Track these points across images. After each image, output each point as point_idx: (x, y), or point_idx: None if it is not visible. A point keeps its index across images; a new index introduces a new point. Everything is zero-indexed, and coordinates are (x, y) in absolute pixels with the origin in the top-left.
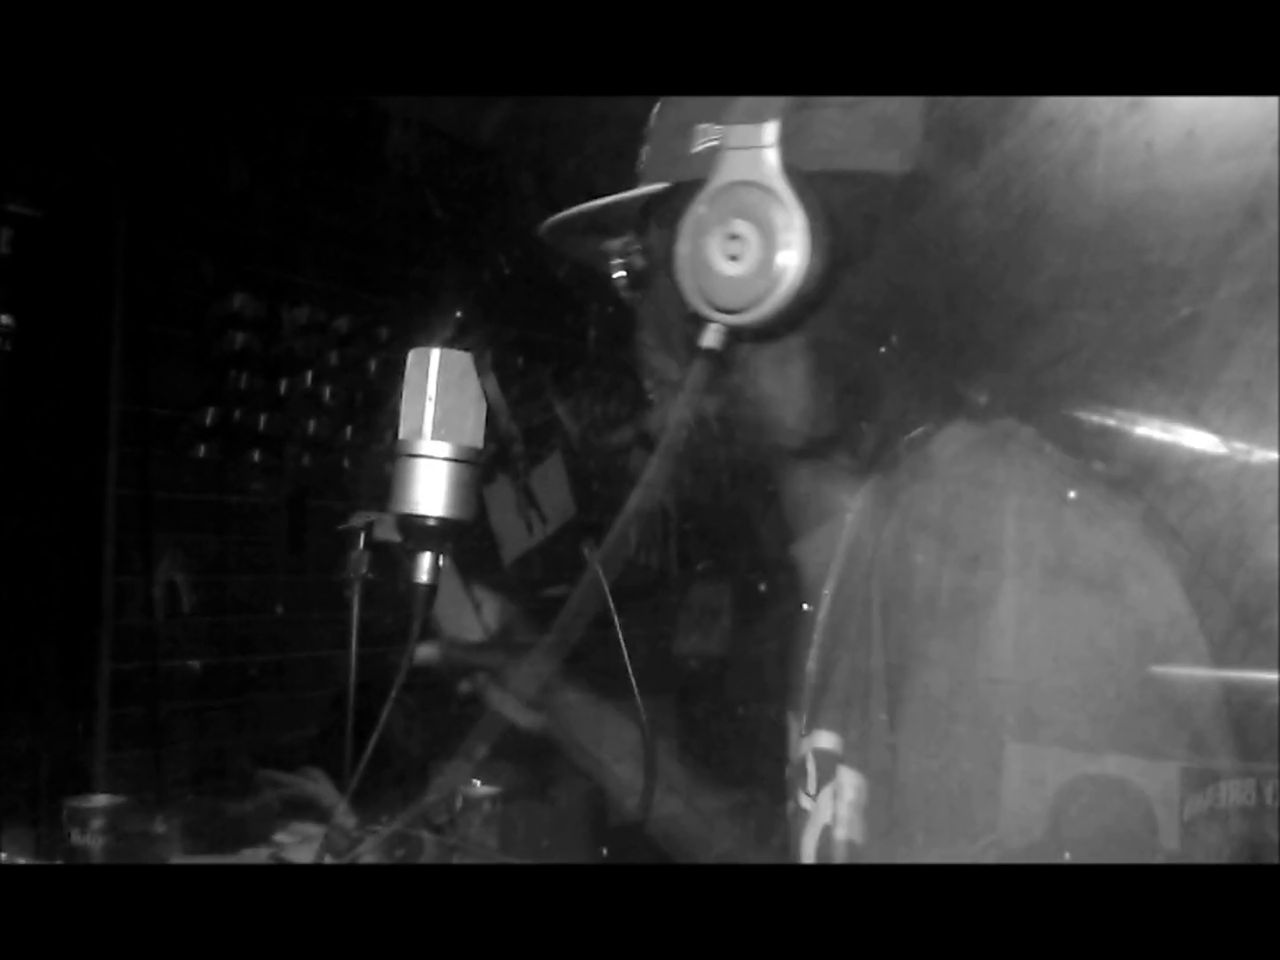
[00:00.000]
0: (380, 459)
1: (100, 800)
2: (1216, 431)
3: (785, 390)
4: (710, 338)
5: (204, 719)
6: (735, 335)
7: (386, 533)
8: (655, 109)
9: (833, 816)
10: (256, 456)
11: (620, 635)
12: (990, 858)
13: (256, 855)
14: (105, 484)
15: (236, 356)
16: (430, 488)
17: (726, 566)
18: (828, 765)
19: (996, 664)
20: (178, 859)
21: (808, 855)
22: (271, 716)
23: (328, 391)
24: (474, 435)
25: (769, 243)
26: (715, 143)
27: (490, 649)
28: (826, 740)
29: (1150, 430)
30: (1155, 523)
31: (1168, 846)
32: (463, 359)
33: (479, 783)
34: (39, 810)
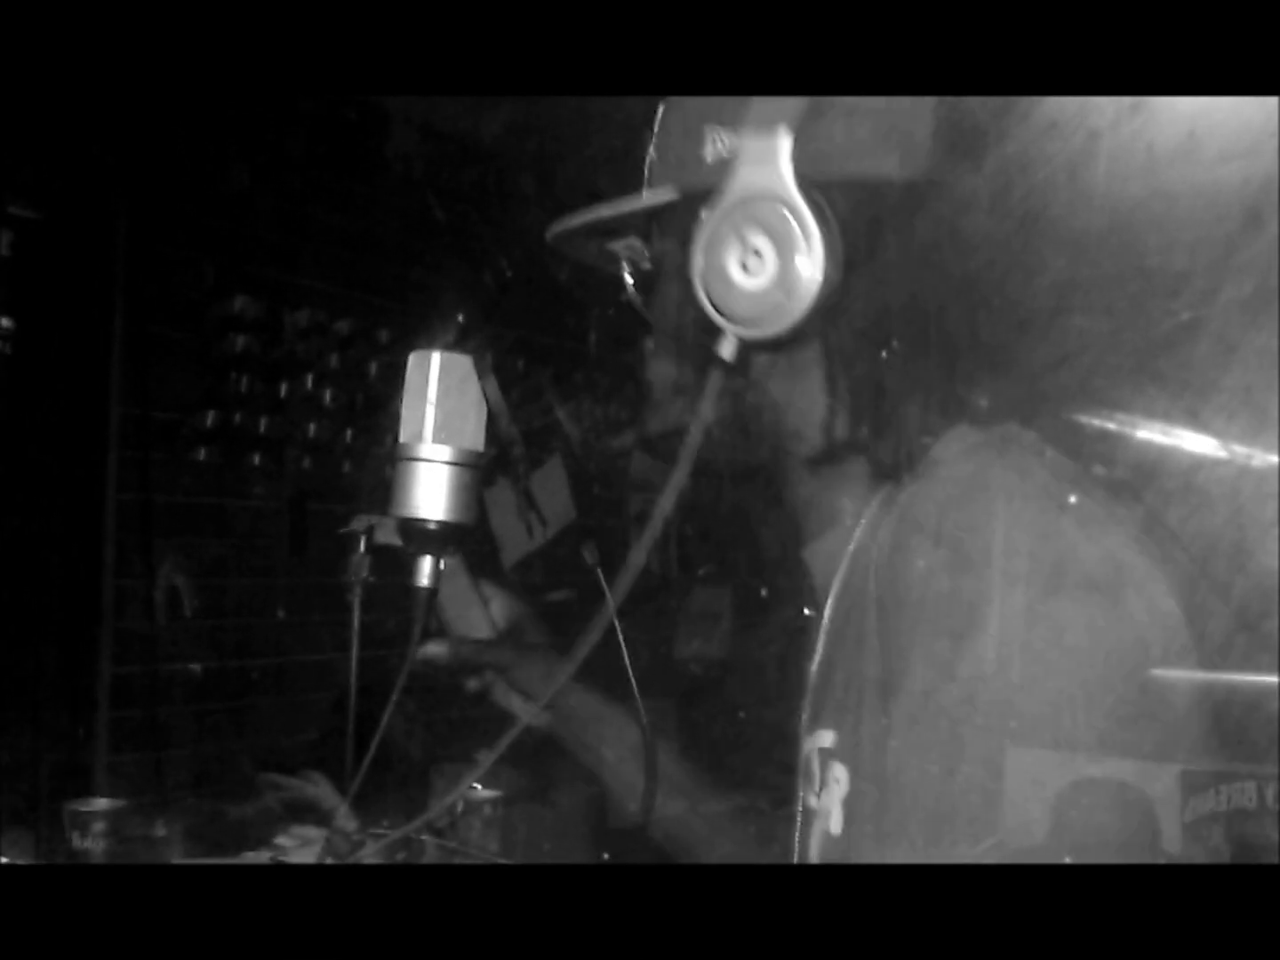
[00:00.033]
0: (381, 462)
1: (101, 803)
2: (1217, 436)
3: (799, 399)
4: (727, 349)
5: (205, 722)
6: (750, 345)
7: (387, 536)
8: (660, 110)
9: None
10: (257, 459)
11: (621, 639)
12: (991, 861)
13: (257, 858)
14: (105, 487)
15: (237, 359)
16: (431, 491)
17: (732, 570)
18: (829, 764)
19: (992, 666)
20: (178, 862)
21: (814, 855)
22: (272, 720)
23: (328, 394)
24: (475, 438)
25: (786, 255)
26: (725, 154)
27: (498, 647)
28: (828, 740)
29: (1151, 434)
30: (1155, 527)
31: (1169, 849)
32: (463, 362)
33: (480, 786)
34: (40, 813)
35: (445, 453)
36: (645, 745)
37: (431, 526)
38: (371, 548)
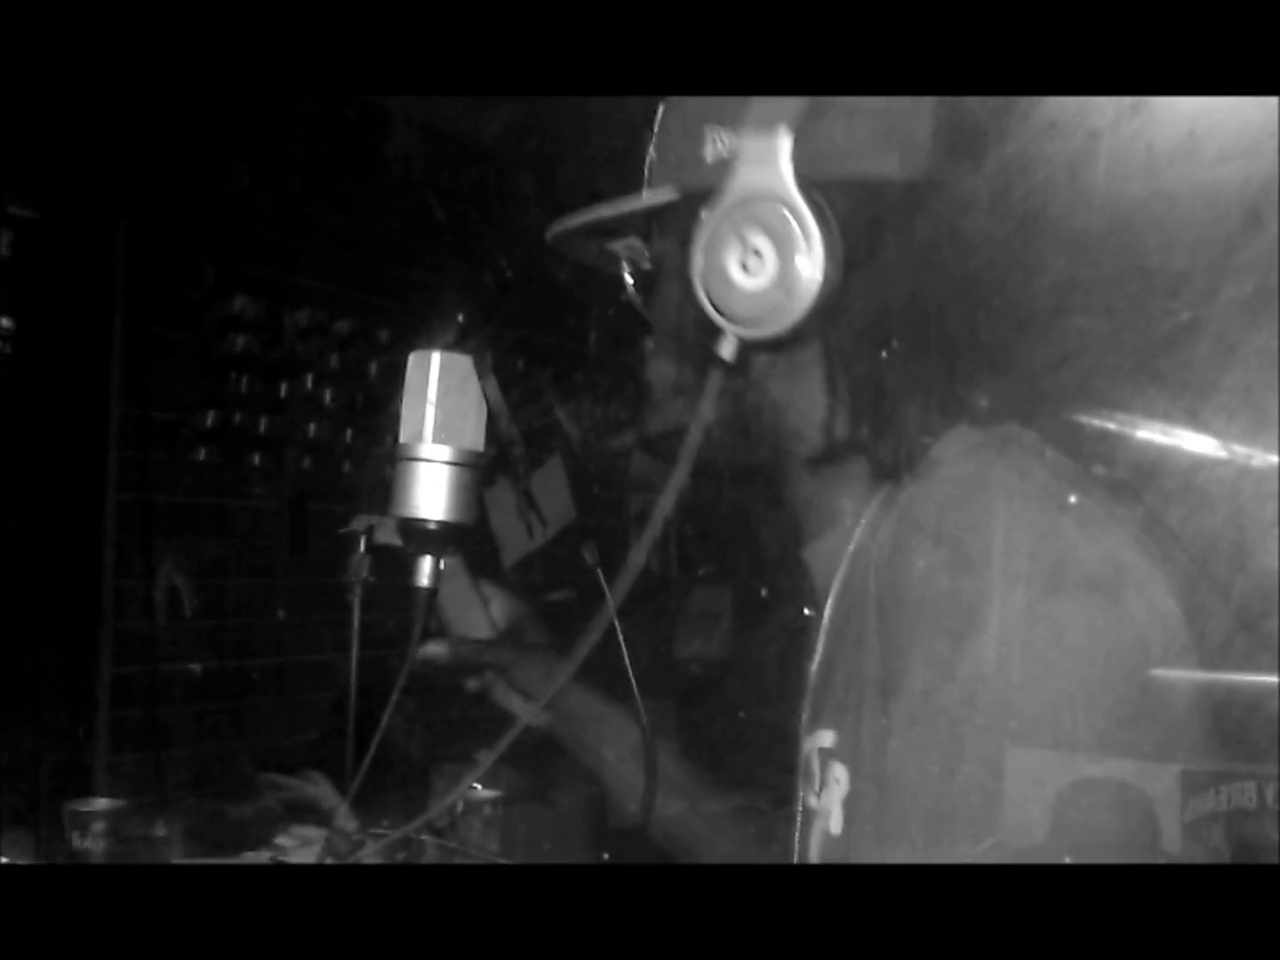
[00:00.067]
0: (381, 462)
1: (101, 803)
2: (1217, 436)
3: (799, 399)
4: (727, 349)
5: (205, 722)
6: (750, 345)
7: (387, 536)
8: (660, 110)
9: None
10: (257, 459)
11: (621, 639)
12: (991, 861)
13: (257, 858)
14: (105, 487)
15: (237, 359)
16: (431, 491)
17: (732, 571)
18: (829, 764)
19: (992, 667)
20: (179, 862)
21: (814, 855)
22: (272, 720)
23: (328, 394)
24: (474, 438)
25: (786, 255)
26: (725, 154)
27: (498, 647)
28: (828, 740)
29: (1151, 434)
30: (1155, 527)
31: (1169, 849)
32: (463, 362)
33: (480, 786)
34: (40, 813)
35: (445, 453)
36: (645, 745)
37: (431, 526)
38: (371, 548)
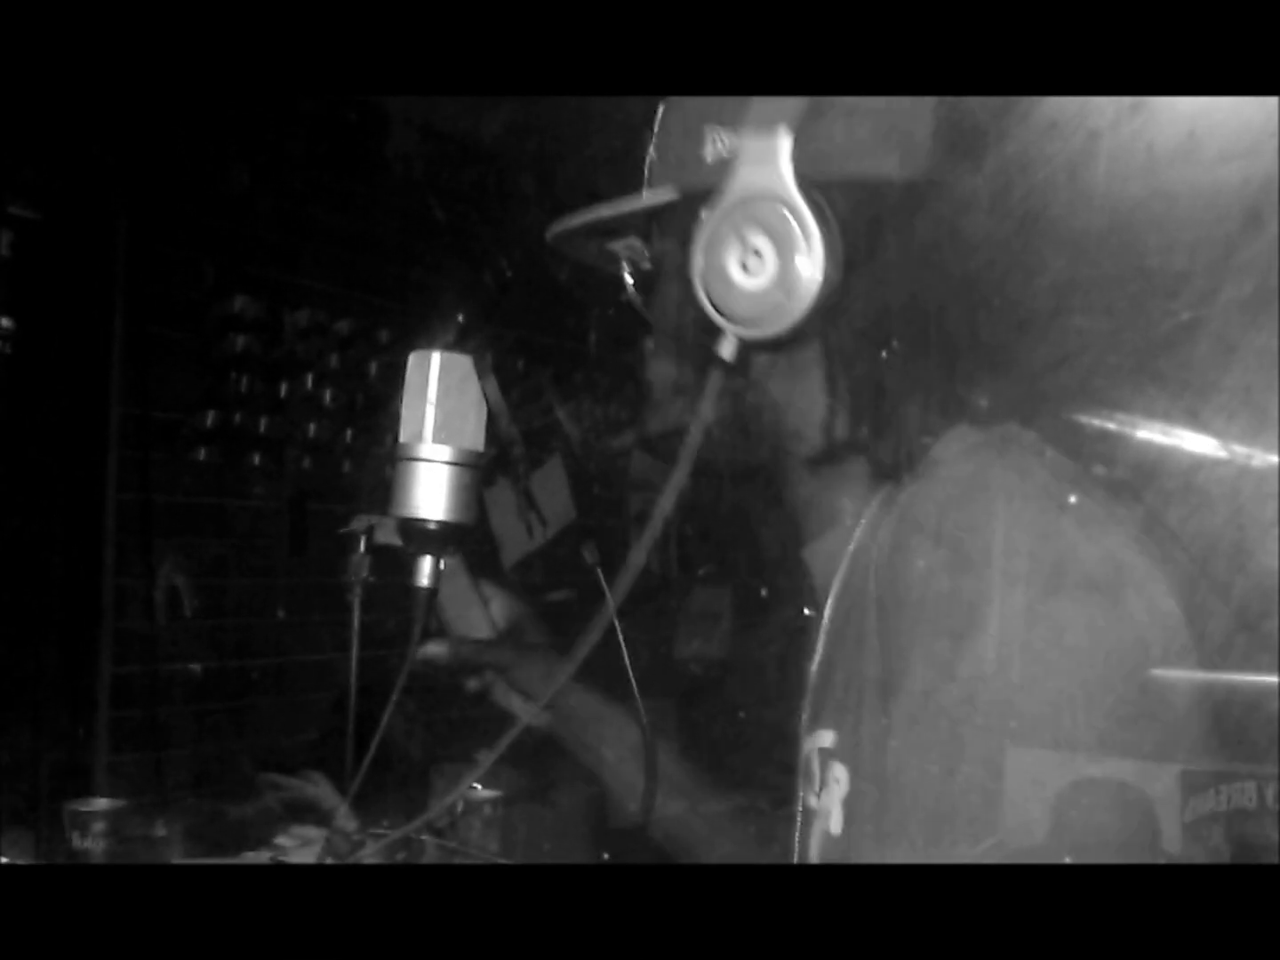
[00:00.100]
0: (381, 462)
1: (101, 803)
2: (1217, 436)
3: (799, 399)
4: (727, 349)
5: (205, 722)
6: (750, 345)
7: (387, 536)
8: (660, 110)
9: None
10: (257, 459)
11: (621, 639)
12: (991, 861)
13: (257, 858)
14: (105, 487)
15: (237, 359)
16: (431, 491)
17: (732, 570)
18: (829, 764)
19: (992, 666)
20: (179, 862)
21: (814, 855)
22: (272, 720)
23: (328, 394)
24: (474, 438)
25: (786, 255)
26: (725, 154)
27: (498, 647)
28: (828, 740)
29: (1151, 434)
30: (1155, 527)
31: (1169, 849)
32: (463, 362)
33: (480, 786)
34: (40, 813)
35: (445, 453)
36: (645, 745)
37: (431, 526)
38: (371, 548)
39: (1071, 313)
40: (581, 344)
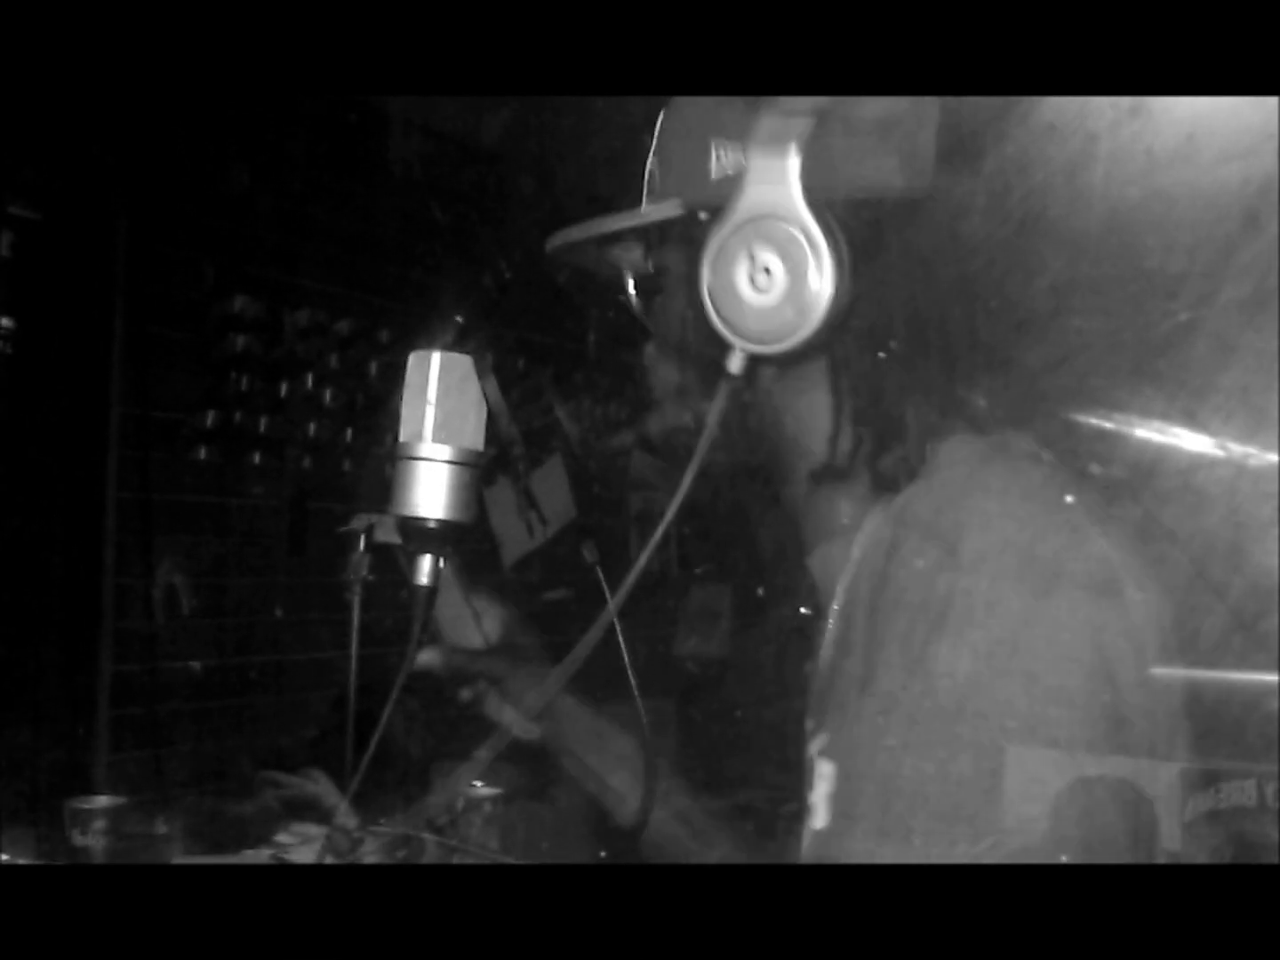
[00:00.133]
0: (381, 461)
1: (101, 801)
2: (1214, 436)
3: (805, 412)
4: (735, 363)
5: (205, 720)
6: (758, 360)
7: (387, 535)
8: (661, 118)
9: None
10: (257, 459)
11: (621, 640)
12: (977, 860)
13: (258, 856)
14: (106, 486)
15: (237, 359)
16: (430, 490)
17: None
18: (819, 761)
19: (966, 665)
20: (179, 860)
21: (801, 851)
22: (272, 718)
23: (328, 394)
24: (474, 438)
25: (797, 273)
26: (732, 171)
27: (492, 657)
28: (824, 739)
29: (1148, 434)
30: (1152, 527)
31: (1169, 847)
32: (463, 362)
33: (480, 784)
34: (40, 811)
35: (445, 452)
36: (644, 744)
37: (431, 525)
38: (371, 547)
39: (1070, 314)
40: (581, 344)
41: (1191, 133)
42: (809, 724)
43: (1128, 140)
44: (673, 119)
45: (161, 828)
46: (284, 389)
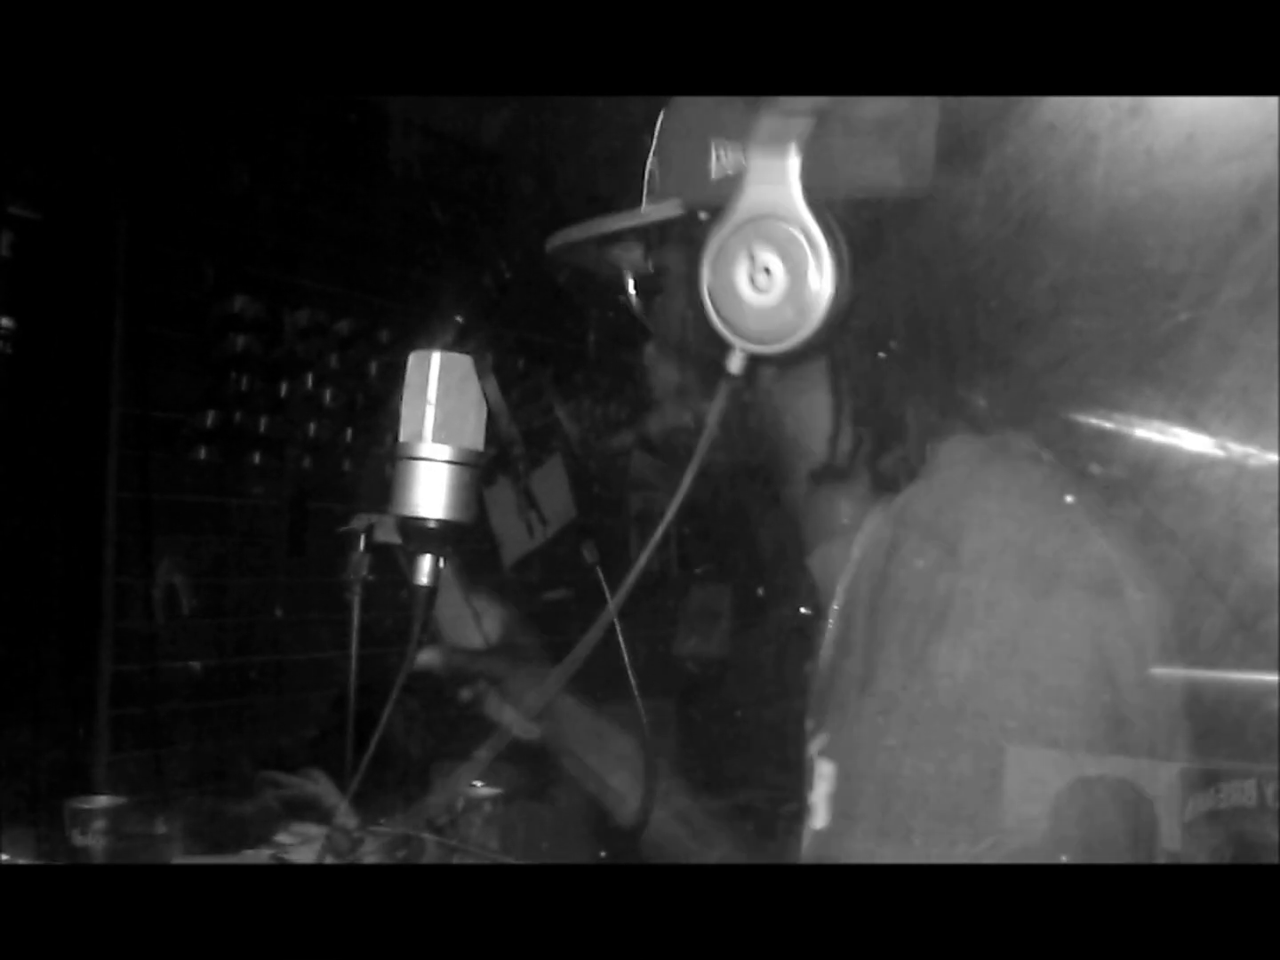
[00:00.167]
0: (381, 461)
1: (101, 801)
2: (1214, 436)
3: (805, 412)
4: (735, 363)
5: (205, 720)
6: (758, 360)
7: (387, 535)
8: (660, 119)
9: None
10: (257, 459)
11: (621, 640)
12: (978, 860)
13: (258, 856)
14: (106, 486)
15: (237, 359)
16: (430, 490)
17: (730, 570)
18: (819, 761)
19: (966, 665)
20: (179, 860)
21: (802, 851)
22: (272, 718)
23: (328, 394)
24: (474, 438)
25: (796, 273)
26: (732, 171)
27: (492, 657)
28: (824, 739)
29: (1148, 434)
30: (1152, 527)
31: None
32: (463, 362)
33: (480, 784)
34: (40, 811)
35: (445, 452)
36: (644, 744)
37: (431, 525)
38: (371, 547)
39: (1070, 314)
40: (581, 344)
41: (1191, 133)
42: (809, 724)
43: (1128, 140)
44: (673, 119)
45: (161, 828)
46: (284, 389)
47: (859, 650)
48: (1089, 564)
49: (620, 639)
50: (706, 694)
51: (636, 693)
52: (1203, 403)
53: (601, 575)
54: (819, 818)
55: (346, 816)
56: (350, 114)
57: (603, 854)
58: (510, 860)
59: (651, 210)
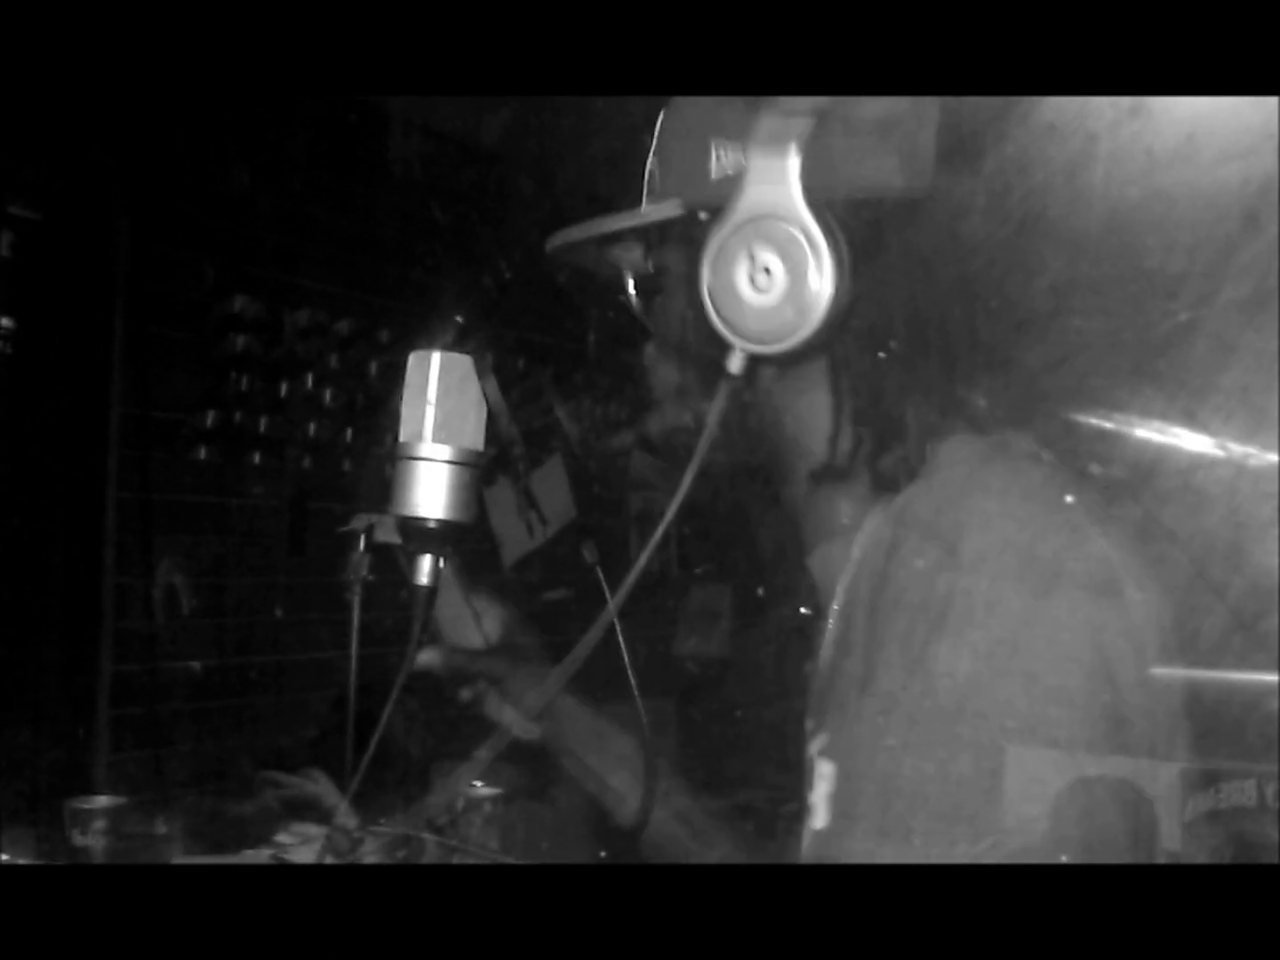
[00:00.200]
0: (381, 461)
1: (101, 801)
2: (1214, 436)
3: (805, 412)
4: (735, 363)
5: (205, 720)
6: (758, 360)
7: (387, 535)
8: (660, 119)
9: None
10: (257, 459)
11: (621, 641)
12: (978, 861)
13: (258, 856)
14: (106, 486)
15: (237, 359)
16: (430, 490)
17: (730, 570)
18: (819, 761)
19: (965, 665)
20: (179, 860)
21: (801, 851)
22: (272, 718)
23: (328, 394)
24: (474, 438)
25: (796, 273)
26: (732, 171)
27: (492, 657)
28: (824, 739)
29: (1148, 434)
30: (1151, 527)
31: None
32: (463, 362)
33: (480, 784)
34: (40, 811)
35: (445, 452)
36: (645, 744)
37: (431, 525)
38: (371, 547)
39: (1070, 314)
40: (581, 344)
41: (1191, 133)
42: (809, 724)
43: (1128, 140)
44: (673, 119)
45: (161, 828)
46: (284, 389)
47: (859, 650)
48: (1089, 564)
49: (620, 639)
50: (707, 694)
51: (636, 693)
52: (1203, 403)
53: (601, 575)
54: (819, 818)
55: (346, 816)
56: (350, 114)
57: (603, 854)
58: (510, 860)
59: (652, 210)
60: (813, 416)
